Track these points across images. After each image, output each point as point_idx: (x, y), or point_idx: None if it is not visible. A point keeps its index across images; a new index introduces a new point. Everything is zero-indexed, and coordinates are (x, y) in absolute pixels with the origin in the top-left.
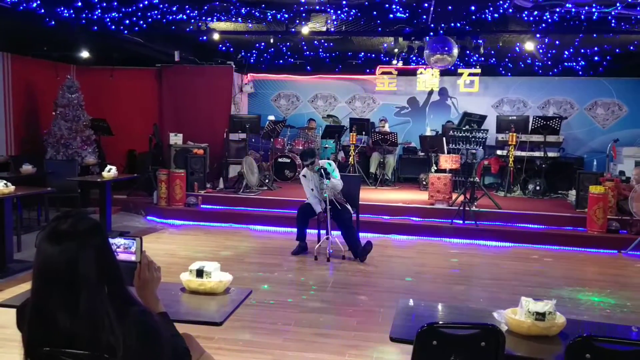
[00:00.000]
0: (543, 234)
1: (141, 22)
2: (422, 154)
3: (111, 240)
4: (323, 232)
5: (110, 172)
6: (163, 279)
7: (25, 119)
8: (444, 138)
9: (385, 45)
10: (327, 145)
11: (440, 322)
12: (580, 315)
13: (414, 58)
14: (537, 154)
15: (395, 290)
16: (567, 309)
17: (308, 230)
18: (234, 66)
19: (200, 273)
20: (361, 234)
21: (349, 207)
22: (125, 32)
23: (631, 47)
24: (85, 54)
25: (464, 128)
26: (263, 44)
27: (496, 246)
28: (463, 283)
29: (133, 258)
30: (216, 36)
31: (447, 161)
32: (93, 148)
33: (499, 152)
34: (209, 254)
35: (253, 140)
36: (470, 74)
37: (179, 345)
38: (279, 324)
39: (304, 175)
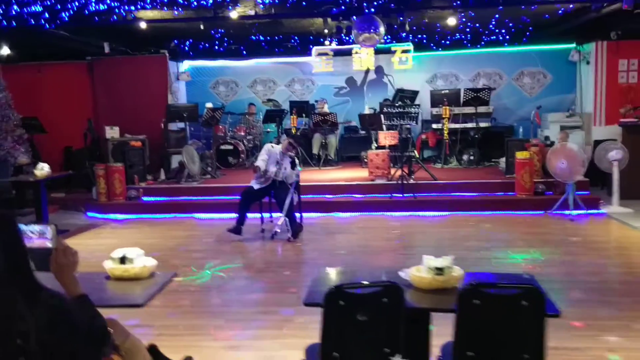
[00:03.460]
0: (477, 201)
1: (62, 14)
2: (363, 132)
3: (25, 228)
4: (266, 215)
5: (42, 170)
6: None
7: None
8: (382, 115)
9: (315, 26)
10: (269, 130)
11: (345, 283)
12: (496, 270)
13: (347, 38)
14: (470, 125)
15: (334, 264)
16: (493, 268)
17: (249, 215)
18: (167, 55)
19: (123, 260)
20: (305, 214)
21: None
22: (47, 26)
23: (547, 16)
24: (6, 51)
25: (397, 104)
26: (193, 31)
27: (434, 216)
28: (400, 252)
29: (49, 244)
30: (143, 25)
31: (386, 137)
32: (26, 147)
33: (434, 125)
34: (152, 245)
35: (192, 129)
36: (403, 51)
37: (96, 326)
38: (220, 306)
39: (272, 146)
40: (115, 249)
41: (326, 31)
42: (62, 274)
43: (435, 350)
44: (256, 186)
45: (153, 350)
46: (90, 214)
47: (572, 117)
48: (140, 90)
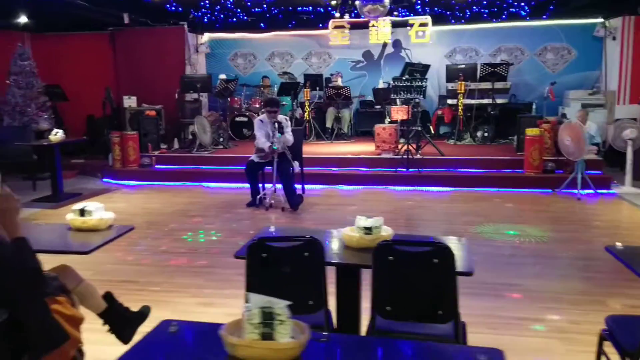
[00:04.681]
0: (483, 177)
1: None
2: (379, 107)
3: None
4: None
5: (57, 135)
6: None
7: None
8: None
9: None
10: (284, 103)
11: (267, 237)
12: (490, 246)
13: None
14: (486, 101)
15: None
16: (480, 242)
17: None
18: (187, 27)
19: (82, 212)
20: (309, 186)
21: (291, 160)
22: None
23: None
24: (24, 20)
25: (404, 78)
26: (207, 2)
27: (438, 191)
28: (391, 224)
29: None
30: None
31: (398, 112)
32: (49, 114)
33: (450, 101)
34: (155, 209)
35: (210, 100)
36: (420, 25)
37: (30, 267)
38: (202, 267)
39: (261, 120)
40: (122, 213)
41: (334, 2)
42: (3, 217)
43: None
44: (256, 159)
45: (108, 297)
46: (105, 179)
47: (594, 94)
48: (159, 61)
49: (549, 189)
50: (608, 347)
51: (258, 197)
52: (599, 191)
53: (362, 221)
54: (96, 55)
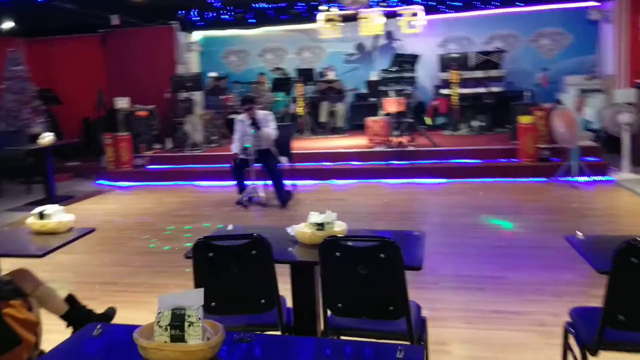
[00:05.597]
0: (477, 168)
1: None
2: (374, 99)
3: None
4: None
5: (45, 139)
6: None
7: None
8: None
9: None
10: (277, 98)
11: (213, 235)
12: (479, 237)
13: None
14: (481, 90)
15: None
16: (469, 233)
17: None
18: (177, 25)
19: (41, 216)
20: (302, 182)
21: (277, 156)
22: None
23: None
24: (9, 25)
25: (392, 69)
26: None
27: (432, 183)
28: (380, 218)
29: None
30: None
31: (392, 104)
32: (44, 118)
33: (444, 91)
34: (145, 210)
35: (207, 99)
36: (412, 14)
37: None
38: (183, 267)
39: (241, 120)
40: (113, 214)
41: None
42: None
43: None
44: (241, 156)
45: (70, 299)
46: (100, 181)
47: (592, 79)
48: (150, 61)
49: (545, 178)
50: (574, 340)
51: (244, 195)
52: (595, 178)
53: (314, 217)
54: (89, 58)
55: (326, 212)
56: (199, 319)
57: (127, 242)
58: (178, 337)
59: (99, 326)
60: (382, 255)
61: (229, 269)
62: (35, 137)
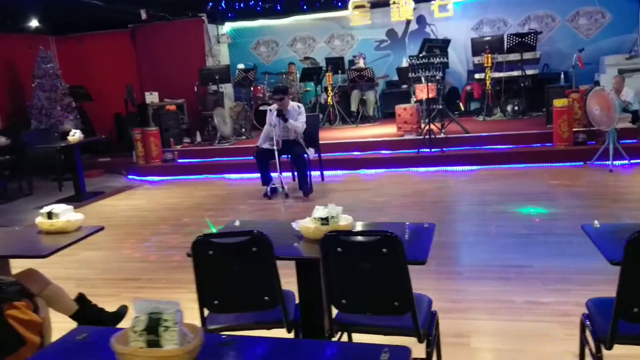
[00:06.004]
0: (511, 153)
1: None
2: (405, 86)
3: None
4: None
5: (74, 136)
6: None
7: (9, 93)
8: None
9: None
10: (307, 88)
11: (211, 233)
12: (508, 226)
13: None
14: (515, 73)
15: None
16: (498, 221)
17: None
18: (206, 18)
19: (50, 215)
20: (330, 172)
21: (304, 146)
22: None
23: None
24: (35, 24)
25: (421, 55)
26: None
27: (462, 171)
28: (408, 207)
29: None
30: None
31: (423, 91)
32: (75, 115)
33: (477, 75)
34: (171, 205)
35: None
36: None
37: None
38: None
39: (270, 110)
40: (138, 209)
41: None
42: None
43: None
44: (265, 145)
45: (81, 298)
46: (130, 176)
47: (632, 59)
48: (179, 55)
49: (581, 162)
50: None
51: (268, 186)
52: (633, 161)
53: (319, 211)
54: (118, 53)
55: (329, 206)
56: (176, 323)
57: (150, 237)
58: (153, 342)
59: (85, 330)
60: (384, 249)
61: (229, 266)
62: (67, 134)
